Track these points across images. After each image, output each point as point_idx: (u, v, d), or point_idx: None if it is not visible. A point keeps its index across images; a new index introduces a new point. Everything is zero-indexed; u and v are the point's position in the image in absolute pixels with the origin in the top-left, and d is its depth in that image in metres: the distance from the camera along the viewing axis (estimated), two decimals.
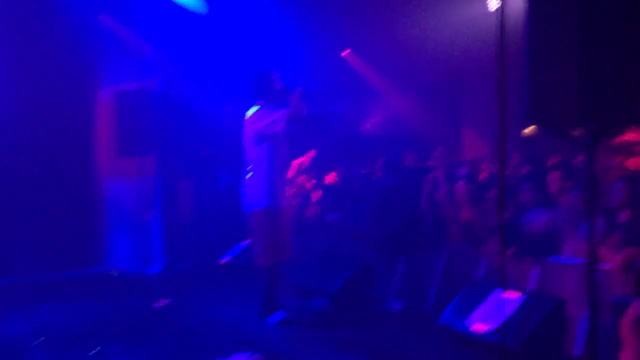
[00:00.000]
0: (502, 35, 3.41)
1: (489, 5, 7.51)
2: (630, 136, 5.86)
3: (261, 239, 5.34)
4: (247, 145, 5.40)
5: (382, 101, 10.35)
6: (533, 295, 4.60)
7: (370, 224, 6.87)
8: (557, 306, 4.38)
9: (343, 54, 10.11)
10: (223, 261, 7.81)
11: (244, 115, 5.47)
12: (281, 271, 5.54)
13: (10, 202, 6.98)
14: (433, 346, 4.82)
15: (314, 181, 8.13)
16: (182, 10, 7.83)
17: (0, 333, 5.29)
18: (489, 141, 8.14)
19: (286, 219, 5.41)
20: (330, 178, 8.19)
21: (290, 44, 8.76)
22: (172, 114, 7.72)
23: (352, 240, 6.95)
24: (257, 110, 5.34)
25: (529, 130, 7.68)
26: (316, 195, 7.88)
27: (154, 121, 7.38)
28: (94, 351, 4.72)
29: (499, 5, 3.96)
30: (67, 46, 7.36)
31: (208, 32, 8.03)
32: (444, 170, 6.86)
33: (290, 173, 8.09)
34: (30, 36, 7.05)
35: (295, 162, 8.13)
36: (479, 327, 4.52)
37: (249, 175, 5.36)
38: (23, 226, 7.07)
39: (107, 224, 7.99)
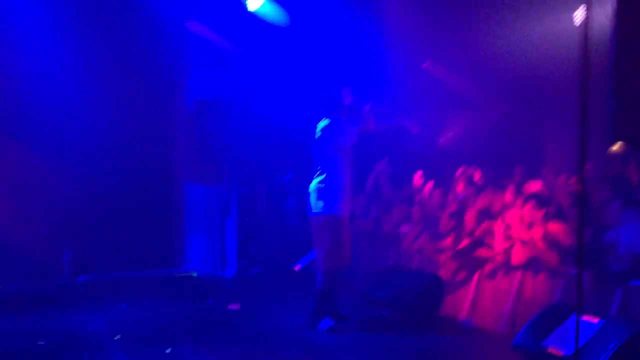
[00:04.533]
0: (586, 50, 3.30)
1: (574, 19, 7.24)
2: None
3: (325, 243, 5.62)
4: (316, 155, 5.75)
5: (462, 114, 10.17)
6: (613, 320, 4.40)
7: (444, 238, 6.77)
8: (638, 333, 4.17)
9: (424, 66, 10.02)
10: (297, 267, 7.90)
11: (316, 126, 5.79)
12: (339, 278, 5.72)
13: (95, 203, 7.33)
14: None
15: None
16: (264, 22, 8.00)
17: (80, 328, 5.55)
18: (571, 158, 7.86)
19: (348, 227, 5.74)
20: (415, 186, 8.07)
21: (371, 56, 8.78)
22: (250, 123, 7.90)
23: (425, 254, 6.86)
24: (328, 124, 5.69)
25: (616, 147, 7.35)
26: (392, 207, 7.83)
27: (232, 129, 7.58)
28: (167, 351, 4.88)
29: (584, 19, 3.83)
30: (153, 54, 7.67)
31: (289, 43, 8.18)
32: (516, 188, 6.68)
33: (369, 185, 8.19)
34: (120, 43, 7.37)
35: (374, 175, 8.18)
36: (554, 350, 4.36)
37: (317, 183, 5.67)
38: (106, 227, 7.40)
39: (186, 227, 8.25)
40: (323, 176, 5.64)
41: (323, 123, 5.72)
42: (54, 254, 7.34)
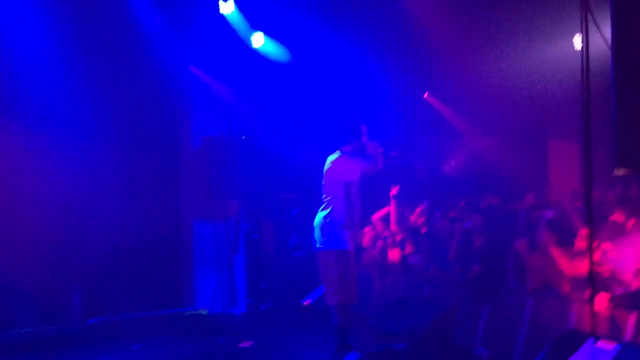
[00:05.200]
0: (586, 74, 3.34)
1: (574, 44, 7.33)
2: None
3: (333, 279, 5.49)
4: (324, 187, 5.64)
5: (464, 142, 10.24)
6: (629, 345, 4.35)
7: (453, 267, 6.75)
8: None
9: (424, 96, 10.14)
10: (306, 302, 7.87)
11: (325, 159, 5.73)
12: (352, 311, 5.61)
13: (103, 244, 7.34)
14: None
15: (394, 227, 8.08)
16: (265, 59, 8.14)
17: None
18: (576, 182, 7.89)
19: (354, 262, 5.64)
20: (412, 220, 8.13)
21: (371, 89, 8.88)
22: (255, 159, 7.97)
23: (434, 283, 6.83)
24: (338, 157, 5.62)
25: (621, 170, 7.34)
26: (398, 238, 7.83)
27: (238, 166, 7.63)
28: None
29: (582, 44, 3.88)
30: (159, 95, 7.76)
31: (290, 79, 8.29)
32: (526, 214, 6.68)
33: (376, 218, 8.18)
34: (126, 85, 7.46)
35: (382, 212, 8.18)
36: None
37: (323, 217, 5.56)
38: (115, 268, 7.39)
39: (194, 265, 8.24)
40: (329, 210, 5.54)
41: (334, 156, 5.65)
42: (63, 297, 7.32)
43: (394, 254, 7.73)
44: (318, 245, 5.61)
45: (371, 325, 6.62)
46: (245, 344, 6.40)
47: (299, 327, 7.22)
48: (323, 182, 5.66)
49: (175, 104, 8.14)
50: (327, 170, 5.64)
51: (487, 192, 8.09)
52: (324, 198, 5.64)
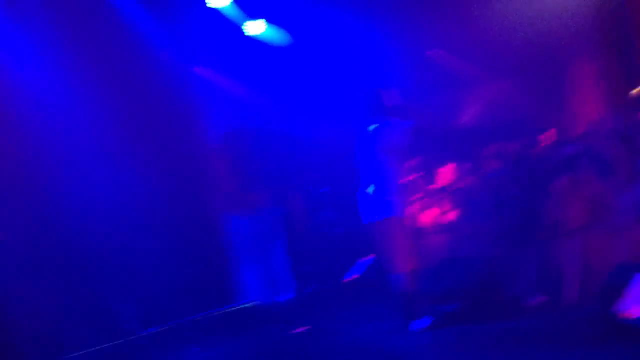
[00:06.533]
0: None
1: None
2: None
3: (390, 248, 5.52)
4: (368, 159, 5.61)
5: (477, 91, 10.10)
6: None
7: (491, 219, 6.72)
8: None
9: (428, 53, 10.00)
10: (348, 279, 7.93)
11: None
12: (415, 278, 5.62)
13: (147, 254, 7.44)
14: (581, 335, 4.59)
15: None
16: (267, 45, 8.10)
17: None
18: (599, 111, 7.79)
19: (409, 228, 5.67)
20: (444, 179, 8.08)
21: (373, 51, 8.79)
22: (275, 145, 7.98)
23: (475, 239, 6.82)
24: (378, 127, 5.55)
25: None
26: (433, 198, 7.81)
27: (261, 155, 7.67)
28: None
29: None
30: (171, 101, 7.79)
31: (296, 60, 8.25)
32: (551, 153, 6.60)
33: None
34: (134, 90, 7.48)
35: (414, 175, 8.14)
36: (629, 313, 4.30)
37: (371, 188, 5.55)
38: (161, 277, 7.50)
39: (236, 260, 8.32)
40: (375, 180, 5.53)
41: (372, 127, 5.58)
42: (117, 313, 7.45)
43: (430, 214, 7.73)
44: (371, 217, 5.60)
45: (420, 289, 6.65)
46: (301, 329, 6.46)
47: (345, 303, 7.27)
48: (364, 155, 5.62)
49: (189, 106, 8.16)
50: (367, 142, 5.59)
51: (512, 137, 8.01)
52: (369, 169, 5.60)
